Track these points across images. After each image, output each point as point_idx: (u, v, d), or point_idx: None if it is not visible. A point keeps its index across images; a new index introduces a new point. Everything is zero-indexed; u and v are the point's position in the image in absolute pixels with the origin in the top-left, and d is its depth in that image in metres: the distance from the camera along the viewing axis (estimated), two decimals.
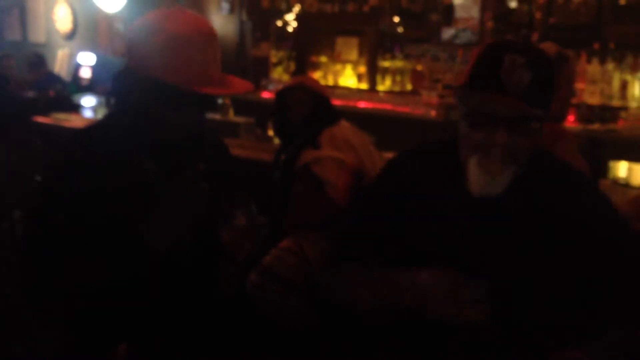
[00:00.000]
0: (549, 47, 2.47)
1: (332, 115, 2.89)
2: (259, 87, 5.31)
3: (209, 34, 1.50)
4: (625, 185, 3.31)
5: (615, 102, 3.81)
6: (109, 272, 1.44)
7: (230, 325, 2.06)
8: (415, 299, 1.30)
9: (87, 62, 6.46)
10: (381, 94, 4.78)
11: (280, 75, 5.42)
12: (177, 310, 1.65)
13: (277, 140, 3.61)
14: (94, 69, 6.38)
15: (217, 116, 4.42)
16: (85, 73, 6.40)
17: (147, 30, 1.47)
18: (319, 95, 2.86)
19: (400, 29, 4.82)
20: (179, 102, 1.48)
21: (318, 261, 2.58)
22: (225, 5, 5.62)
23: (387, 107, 4.63)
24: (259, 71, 5.41)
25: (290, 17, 5.33)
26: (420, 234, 1.38)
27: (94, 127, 1.62)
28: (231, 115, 4.46)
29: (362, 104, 4.76)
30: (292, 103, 2.87)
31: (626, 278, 1.33)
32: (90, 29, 7.03)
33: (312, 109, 2.84)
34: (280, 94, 2.95)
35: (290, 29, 5.42)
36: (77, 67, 6.52)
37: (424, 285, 1.30)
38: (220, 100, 4.52)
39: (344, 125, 2.91)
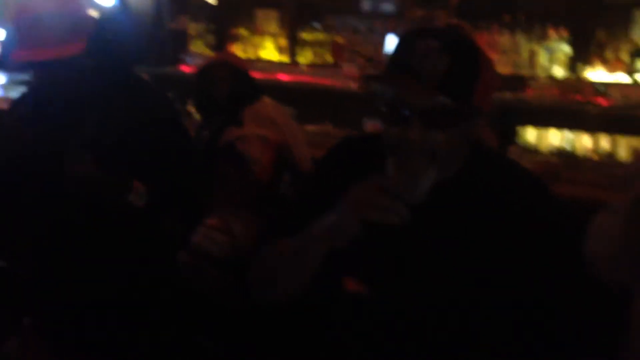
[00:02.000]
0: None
1: (254, 91, 2.92)
2: (177, 61, 5.23)
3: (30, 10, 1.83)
4: (534, 151, 3.50)
5: (524, 72, 3.99)
6: None
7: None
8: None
9: None
10: (302, 67, 4.80)
11: (199, 48, 5.34)
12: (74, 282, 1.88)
13: (198, 116, 3.59)
14: (4, 44, 6.07)
15: None
16: None
17: None
18: (240, 72, 2.88)
19: None
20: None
21: (245, 237, 2.63)
22: None
23: (309, 79, 4.66)
24: (177, 45, 5.31)
25: None
26: None
27: None
28: None
29: (283, 77, 4.77)
30: (214, 80, 2.87)
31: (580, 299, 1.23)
32: None
33: (234, 86, 2.85)
34: (201, 71, 2.94)
35: (209, 1, 5.34)
36: None
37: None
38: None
39: (266, 101, 2.95)
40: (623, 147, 3.59)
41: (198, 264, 2.62)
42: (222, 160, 2.81)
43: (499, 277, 1.20)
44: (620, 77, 3.70)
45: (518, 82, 3.93)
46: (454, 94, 1.11)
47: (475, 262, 1.20)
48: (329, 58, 4.77)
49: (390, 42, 4.34)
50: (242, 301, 2.58)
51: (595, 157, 3.61)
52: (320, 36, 4.83)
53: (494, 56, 4.07)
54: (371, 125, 3.86)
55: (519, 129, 3.82)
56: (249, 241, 2.62)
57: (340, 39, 4.71)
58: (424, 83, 1.10)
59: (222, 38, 5.30)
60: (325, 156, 1.41)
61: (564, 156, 3.46)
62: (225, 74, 2.84)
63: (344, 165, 1.32)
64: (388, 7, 4.54)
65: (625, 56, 3.73)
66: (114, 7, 5.50)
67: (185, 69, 5.18)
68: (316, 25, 4.83)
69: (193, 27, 5.36)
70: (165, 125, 2.06)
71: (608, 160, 3.35)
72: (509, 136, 3.52)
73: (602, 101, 3.64)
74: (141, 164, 1.92)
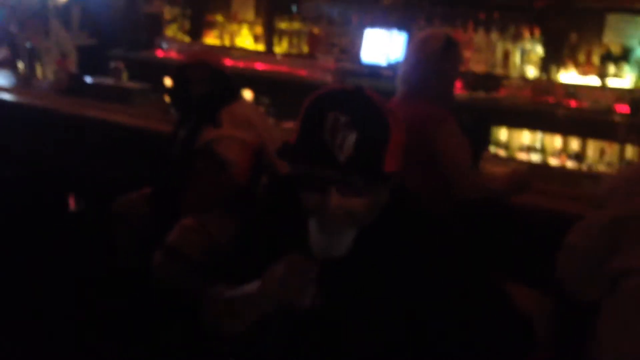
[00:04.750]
0: (437, 33, 2.60)
1: (232, 92, 2.91)
2: (152, 46, 5.17)
3: None
4: (505, 159, 3.57)
5: (498, 71, 4.04)
6: None
7: None
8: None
9: None
10: (278, 57, 4.78)
11: (175, 33, 5.28)
12: None
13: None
14: None
15: (109, 81, 4.28)
16: None
17: None
18: (218, 73, 2.86)
19: None
20: None
21: (221, 238, 2.65)
22: None
23: (284, 69, 4.66)
24: (152, 29, 5.25)
25: None
26: None
27: None
28: (125, 80, 4.33)
29: (259, 66, 4.76)
30: (192, 79, 2.85)
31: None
32: None
33: (212, 86, 2.84)
34: (178, 70, 2.92)
35: None
36: None
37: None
38: (112, 64, 4.38)
39: (244, 102, 2.95)
40: (592, 149, 3.68)
41: (173, 264, 2.65)
42: (199, 161, 2.81)
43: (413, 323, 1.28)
44: (591, 80, 3.78)
45: (492, 81, 3.99)
46: (364, 165, 1.18)
47: (390, 312, 1.28)
48: (306, 48, 4.76)
49: (368, 37, 4.35)
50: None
51: (565, 160, 3.70)
52: (296, 26, 4.81)
53: (468, 54, 4.12)
54: None
55: (492, 128, 3.88)
56: (225, 241, 2.65)
57: (316, 31, 4.70)
58: (336, 158, 1.17)
59: (197, 24, 5.25)
60: (260, 200, 1.52)
61: (534, 166, 3.53)
62: (202, 75, 2.82)
63: (276, 210, 1.40)
64: None
65: (596, 59, 3.81)
66: None
67: (160, 53, 5.13)
68: (293, 10, 4.78)
69: (168, 12, 5.29)
70: None
71: (578, 171, 3.43)
72: (483, 138, 3.58)
73: (572, 103, 3.72)
74: None
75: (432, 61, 2.44)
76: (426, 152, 2.37)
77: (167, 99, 3.86)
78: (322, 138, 1.17)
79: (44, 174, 3.75)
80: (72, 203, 3.67)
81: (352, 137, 1.16)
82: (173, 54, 5.04)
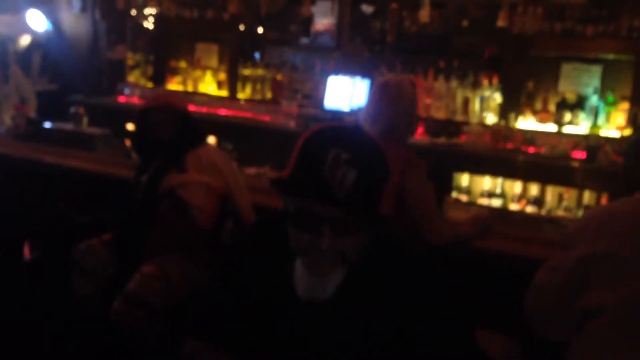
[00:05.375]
0: (405, 78, 2.65)
1: (198, 136, 2.88)
2: (114, 92, 5.14)
3: None
4: (467, 203, 3.61)
5: (459, 117, 4.13)
6: None
7: None
8: None
9: None
10: (242, 102, 4.80)
11: (137, 79, 5.27)
12: None
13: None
14: None
15: (69, 126, 4.22)
16: None
17: None
18: (184, 116, 2.83)
19: (260, 30, 4.85)
20: None
21: (182, 284, 2.59)
22: (76, 3, 5.35)
23: (248, 115, 4.67)
24: (114, 75, 5.22)
25: (147, 20, 5.19)
26: (256, 332, 1.31)
27: None
28: (85, 126, 4.27)
29: (222, 112, 4.76)
30: (157, 123, 2.80)
31: None
32: None
33: (178, 130, 2.80)
34: (143, 112, 2.87)
35: (147, 31, 5.29)
36: None
37: None
38: (72, 109, 4.33)
39: (209, 147, 2.93)
40: (551, 194, 3.76)
41: (133, 311, 2.57)
42: (163, 206, 2.76)
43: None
44: (548, 127, 3.89)
45: (453, 127, 4.06)
46: (362, 203, 1.16)
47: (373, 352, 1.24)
48: (269, 94, 4.80)
49: (331, 83, 4.41)
50: (174, 348, 2.55)
51: (525, 205, 3.77)
52: (260, 72, 4.85)
53: (430, 101, 4.20)
54: None
55: (454, 173, 3.93)
56: (186, 289, 2.59)
57: (279, 76, 4.75)
58: (335, 196, 1.14)
59: (160, 70, 5.25)
60: (243, 240, 1.47)
61: (495, 210, 3.59)
62: (168, 117, 2.77)
63: (256, 251, 1.38)
64: (325, 40, 4.60)
65: (552, 107, 3.92)
66: (47, 32, 5.37)
67: (122, 99, 5.10)
68: (256, 57, 4.83)
69: (131, 57, 5.28)
70: None
71: (538, 216, 3.50)
72: (446, 183, 3.61)
73: (531, 149, 3.81)
74: None
75: (405, 104, 2.49)
76: (397, 193, 2.38)
77: (129, 142, 3.81)
78: (321, 174, 1.14)
79: (0, 220, 3.64)
80: (28, 251, 3.56)
81: (352, 175, 1.14)
82: (135, 100, 5.02)
